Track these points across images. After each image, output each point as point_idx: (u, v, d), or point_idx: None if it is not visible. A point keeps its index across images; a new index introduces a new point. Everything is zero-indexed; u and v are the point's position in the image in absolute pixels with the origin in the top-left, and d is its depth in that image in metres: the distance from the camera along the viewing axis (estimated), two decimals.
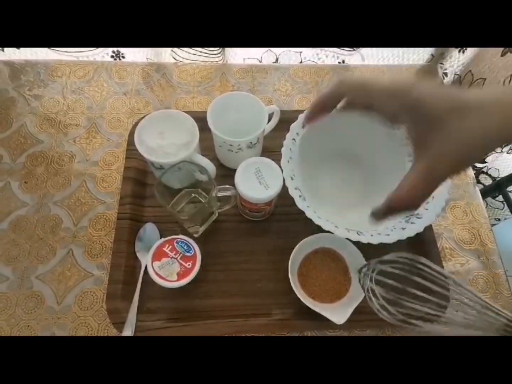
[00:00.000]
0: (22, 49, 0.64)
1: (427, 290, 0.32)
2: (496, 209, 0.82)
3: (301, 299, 0.42)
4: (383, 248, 0.42)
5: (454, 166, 0.21)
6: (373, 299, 0.33)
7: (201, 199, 0.50)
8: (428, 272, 0.32)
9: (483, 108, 0.20)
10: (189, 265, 0.44)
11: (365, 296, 0.36)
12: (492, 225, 0.56)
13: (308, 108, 0.29)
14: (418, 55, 0.69)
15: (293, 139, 0.49)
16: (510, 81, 0.53)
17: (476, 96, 0.21)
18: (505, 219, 0.83)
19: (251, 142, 0.49)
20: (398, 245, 0.42)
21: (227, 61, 0.68)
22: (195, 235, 0.50)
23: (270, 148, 0.55)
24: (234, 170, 0.45)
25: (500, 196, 0.76)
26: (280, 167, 0.45)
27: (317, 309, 0.42)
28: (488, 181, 0.76)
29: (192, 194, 0.51)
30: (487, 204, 0.82)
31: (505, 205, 0.76)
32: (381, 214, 0.23)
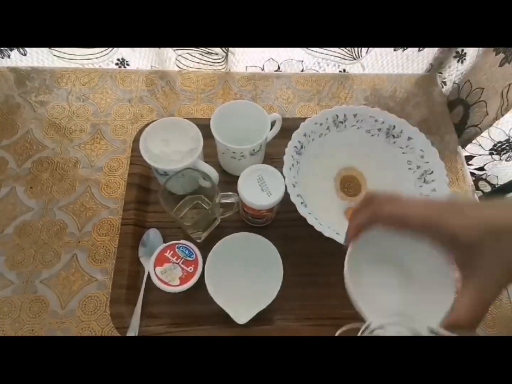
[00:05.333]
0: (28, 55, 0.66)
1: None
2: None
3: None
4: None
5: (502, 286, 0.23)
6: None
7: (204, 205, 0.51)
8: None
9: None
10: (191, 269, 0.45)
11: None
12: None
13: (347, 233, 0.31)
14: (418, 65, 0.70)
15: (295, 146, 0.50)
16: (508, 91, 0.54)
17: (503, 218, 0.22)
18: None
19: (253, 150, 0.49)
20: None
21: (229, 69, 0.69)
22: (198, 241, 0.50)
23: (272, 155, 0.56)
24: (237, 177, 0.45)
25: None
26: (282, 174, 0.46)
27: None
28: (487, 188, 0.76)
29: (195, 201, 0.51)
30: None
31: None
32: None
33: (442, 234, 0.24)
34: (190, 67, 0.68)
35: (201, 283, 0.44)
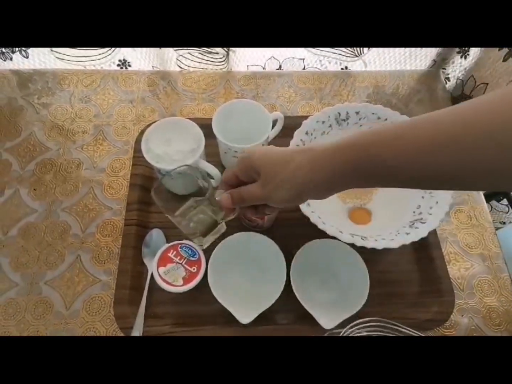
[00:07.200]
0: (30, 58, 0.66)
1: None
2: (501, 213, 0.82)
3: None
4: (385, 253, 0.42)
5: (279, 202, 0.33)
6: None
7: (206, 208, 0.51)
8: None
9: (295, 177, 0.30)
10: (194, 269, 0.45)
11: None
12: (497, 228, 0.56)
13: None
14: (420, 61, 0.69)
15: (297, 145, 0.50)
16: None
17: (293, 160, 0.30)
18: (510, 222, 0.83)
19: None
20: (403, 250, 0.42)
21: (231, 69, 0.69)
22: (202, 248, 0.49)
23: None
24: None
25: (505, 199, 0.76)
26: None
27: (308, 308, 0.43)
28: None
29: (197, 204, 0.51)
30: (491, 207, 0.82)
31: (510, 208, 0.76)
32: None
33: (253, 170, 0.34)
34: (191, 67, 0.68)
35: (204, 283, 0.44)
